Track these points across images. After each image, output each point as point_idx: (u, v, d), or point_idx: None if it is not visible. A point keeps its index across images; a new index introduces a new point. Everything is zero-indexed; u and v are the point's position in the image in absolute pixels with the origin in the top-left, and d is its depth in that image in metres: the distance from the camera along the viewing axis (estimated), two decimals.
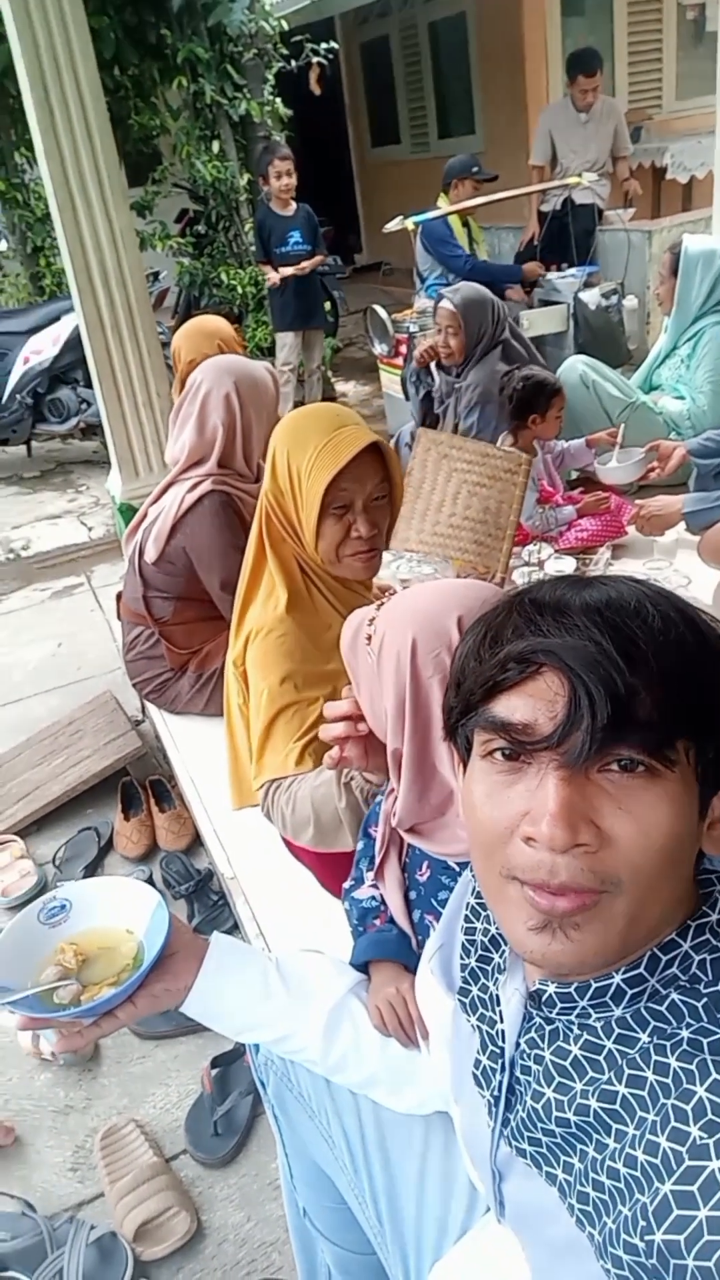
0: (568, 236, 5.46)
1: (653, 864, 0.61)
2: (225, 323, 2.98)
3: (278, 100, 5.60)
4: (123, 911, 1.02)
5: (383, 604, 1.12)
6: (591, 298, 4.92)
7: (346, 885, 1.29)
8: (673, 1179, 0.57)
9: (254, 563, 1.72)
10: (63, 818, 2.48)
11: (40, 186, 5.47)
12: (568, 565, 2.65)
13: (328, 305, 6.25)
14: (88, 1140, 1.67)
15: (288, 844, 1.90)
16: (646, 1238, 0.57)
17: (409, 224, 4.80)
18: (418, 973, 1.05)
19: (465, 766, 0.71)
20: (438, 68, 8.39)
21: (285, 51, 5.58)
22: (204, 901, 2.14)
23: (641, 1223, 0.58)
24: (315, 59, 5.56)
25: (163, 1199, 1.51)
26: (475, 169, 5.00)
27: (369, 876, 1.26)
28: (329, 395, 6.07)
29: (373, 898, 1.22)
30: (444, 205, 4.97)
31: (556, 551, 2.71)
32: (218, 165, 5.34)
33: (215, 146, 5.36)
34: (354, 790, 1.41)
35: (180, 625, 2.43)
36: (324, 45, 5.60)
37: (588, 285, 5.04)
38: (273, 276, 4.85)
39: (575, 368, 3.74)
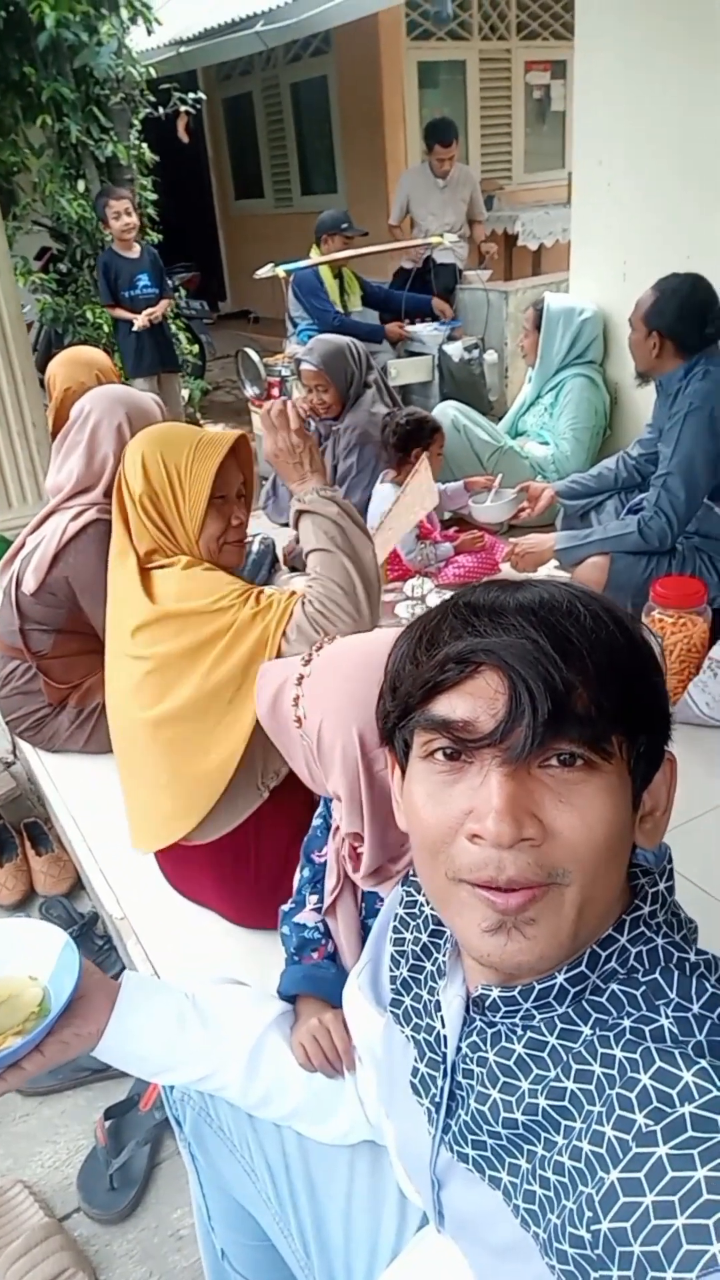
0: (430, 293, 5.71)
1: (597, 854, 0.62)
2: (102, 354, 2.94)
3: (144, 145, 5.61)
4: (24, 955, 0.96)
5: (302, 676, 1.07)
6: (455, 350, 5.14)
7: (285, 908, 1.26)
8: (619, 1168, 0.58)
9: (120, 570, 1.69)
10: None
11: None
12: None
13: (196, 349, 6.27)
14: None
15: (178, 887, 1.84)
16: (593, 1228, 0.58)
17: (280, 271, 4.88)
18: (344, 991, 1.03)
19: (403, 771, 0.71)
20: (300, 127, 8.65)
21: (153, 98, 5.62)
22: (89, 946, 2.04)
23: (588, 1213, 0.58)
24: (183, 108, 5.62)
25: (57, 1261, 1.41)
26: (345, 225, 5.16)
27: (311, 901, 1.23)
28: None
29: (316, 928, 1.20)
30: (315, 256, 5.10)
31: (437, 586, 2.78)
32: (82, 204, 5.28)
33: (80, 185, 5.30)
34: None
35: (60, 659, 2.34)
36: (190, 95, 5.67)
37: (451, 339, 5.26)
38: (140, 319, 4.81)
39: (446, 413, 3.88)
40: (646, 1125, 0.57)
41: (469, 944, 0.66)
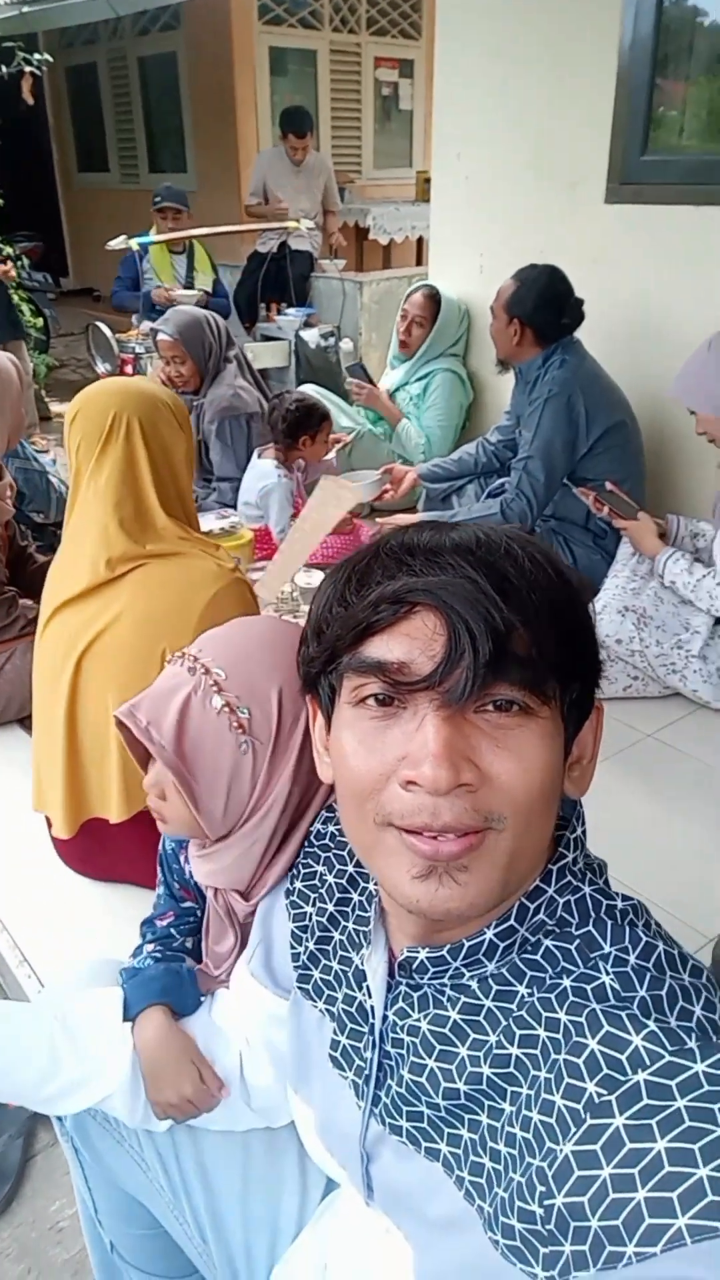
0: (285, 278, 5.69)
1: (532, 800, 0.60)
2: None
3: None
4: None
5: (217, 684, 0.94)
6: (311, 337, 5.15)
7: (123, 970, 1.16)
8: (572, 1139, 0.56)
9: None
10: None
11: None
12: (316, 578, 2.72)
13: (40, 322, 6.00)
14: None
15: (81, 867, 1.77)
16: (546, 1202, 0.56)
17: (133, 244, 4.75)
18: (234, 977, 0.97)
19: (328, 719, 0.68)
20: (148, 102, 8.41)
21: None
22: None
23: (540, 1187, 0.57)
24: (28, 69, 5.35)
25: None
26: (156, 198, 5.07)
27: (149, 950, 1.15)
28: (44, 415, 5.79)
29: (149, 957, 1.12)
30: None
31: (305, 566, 2.77)
32: None
33: None
34: None
35: None
36: (36, 56, 5.41)
37: (307, 325, 5.27)
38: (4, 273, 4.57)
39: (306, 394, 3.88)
40: (600, 1094, 0.56)
41: (397, 891, 0.62)
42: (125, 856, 1.68)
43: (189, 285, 5.05)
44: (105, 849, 1.69)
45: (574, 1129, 0.56)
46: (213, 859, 0.98)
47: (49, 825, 1.72)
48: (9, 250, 5.09)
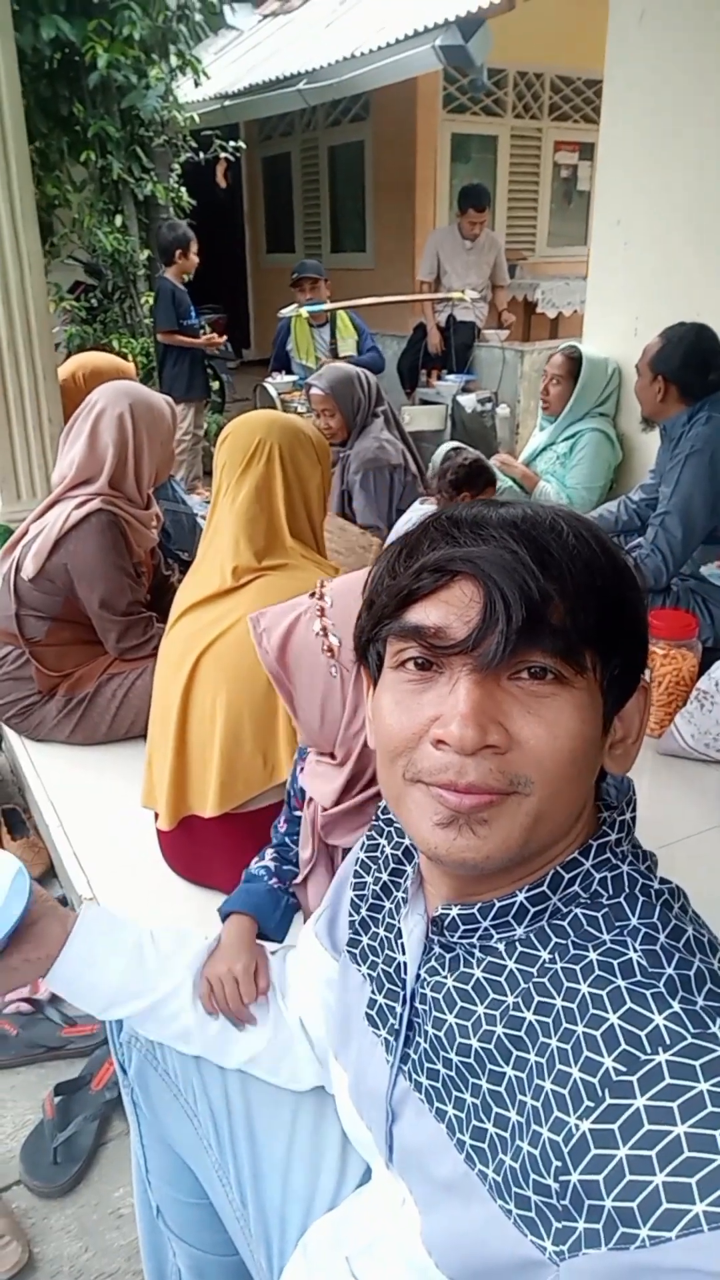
0: (449, 347, 5.86)
1: (560, 765, 0.62)
2: (103, 354, 3.02)
3: (183, 189, 5.82)
4: None
5: (323, 609, 1.05)
6: (468, 401, 5.26)
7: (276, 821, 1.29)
8: (590, 1117, 0.56)
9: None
10: None
11: None
12: None
13: (217, 385, 6.42)
14: None
15: (178, 866, 1.84)
16: (561, 1178, 0.56)
17: (303, 312, 5.03)
18: (300, 937, 1.02)
19: (375, 685, 0.71)
20: (334, 187, 8.94)
21: (194, 144, 5.84)
22: None
23: (555, 1162, 0.57)
24: (223, 154, 5.83)
25: None
26: (294, 274, 5.34)
27: (268, 854, 1.24)
28: (209, 470, 6.15)
29: (265, 868, 1.20)
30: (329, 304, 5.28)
31: None
32: (119, 238, 5.46)
33: (118, 220, 5.48)
34: None
35: (53, 647, 2.36)
36: (231, 143, 5.89)
37: (465, 391, 5.39)
38: (211, 338, 4.99)
39: (447, 449, 3.96)
40: (618, 1071, 0.56)
41: (420, 836, 0.65)
42: (219, 860, 1.73)
43: (333, 353, 5.30)
44: (202, 850, 1.75)
45: (589, 1104, 0.56)
46: (324, 778, 1.07)
47: (155, 819, 1.79)
48: (201, 322, 5.52)
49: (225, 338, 6.72)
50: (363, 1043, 0.78)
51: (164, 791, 1.72)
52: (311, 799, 1.12)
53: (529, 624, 0.60)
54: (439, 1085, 0.67)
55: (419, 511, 3.19)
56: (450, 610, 0.62)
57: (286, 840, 1.24)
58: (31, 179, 2.77)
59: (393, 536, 3.22)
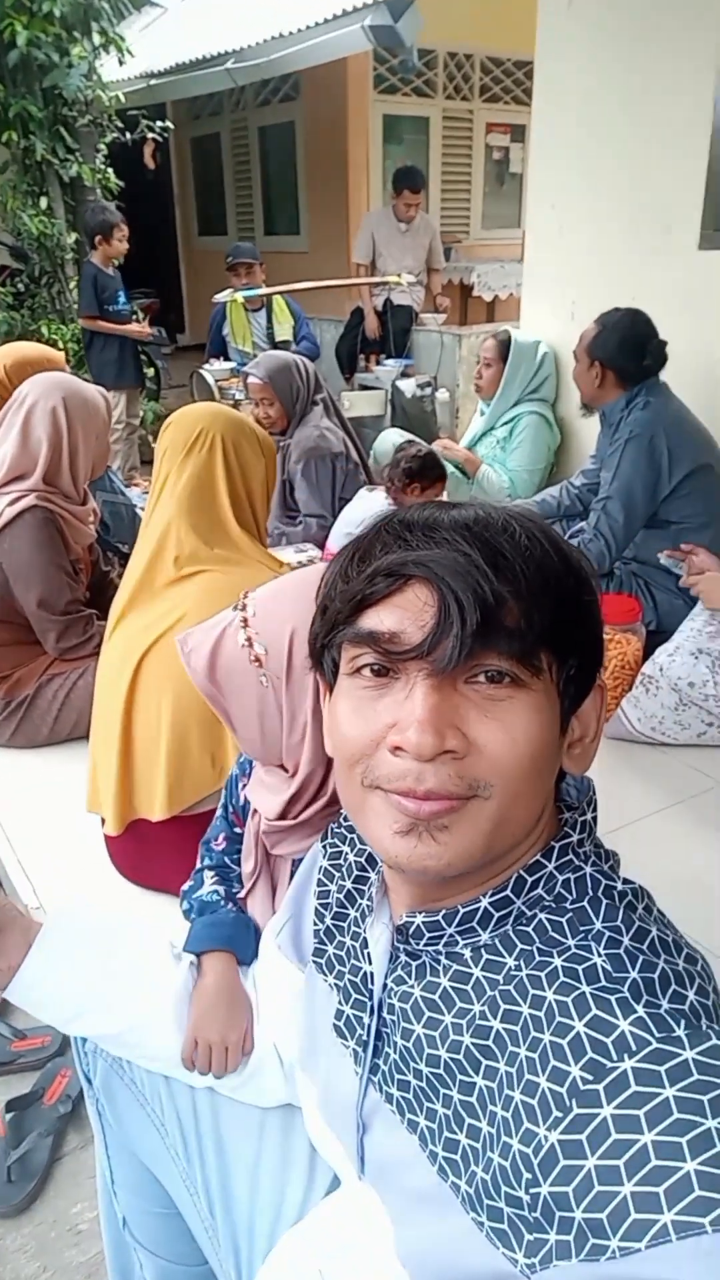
0: (386, 331, 5.83)
1: (520, 769, 0.61)
2: (31, 345, 2.93)
3: (110, 170, 5.68)
4: None
5: (246, 619, 1.02)
6: (408, 386, 5.24)
7: (185, 888, 1.24)
8: (558, 1128, 0.55)
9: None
10: None
11: None
12: None
13: (150, 372, 6.30)
14: None
15: (128, 871, 1.80)
16: (532, 1190, 0.55)
17: (238, 297, 4.96)
18: (261, 949, 1.01)
19: (330, 691, 0.70)
20: (266, 169, 8.82)
21: (120, 124, 5.70)
22: None
23: (526, 1175, 0.56)
24: (150, 135, 5.70)
25: None
26: (228, 258, 5.28)
27: (209, 877, 1.21)
28: (147, 459, 6.05)
29: (215, 892, 1.17)
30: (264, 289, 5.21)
31: None
32: (44, 220, 5.31)
33: (44, 203, 5.33)
34: None
35: None
36: (159, 123, 5.76)
37: (404, 375, 5.37)
38: (135, 327, 4.88)
39: (390, 437, 3.96)
40: (585, 1080, 0.55)
41: (380, 846, 0.64)
42: (169, 862, 1.70)
43: (270, 338, 5.23)
44: (151, 854, 1.72)
45: (557, 1114, 0.55)
46: (270, 790, 1.05)
47: (102, 824, 1.76)
48: (133, 307, 5.40)
49: (156, 327, 6.62)
50: (331, 1054, 0.77)
51: (110, 796, 1.69)
52: (256, 811, 1.09)
53: (484, 627, 0.59)
54: (410, 1096, 0.67)
55: (365, 499, 3.17)
56: (405, 615, 0.62)
57: (225, 860, 1.21)
58: None
59: (340, 523, 3.20)
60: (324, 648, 0.69)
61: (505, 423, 3.72)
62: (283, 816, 1.04)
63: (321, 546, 3.23)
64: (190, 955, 1.04)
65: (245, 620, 1.02)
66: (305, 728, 0.97)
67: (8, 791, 2.19)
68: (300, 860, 0.96)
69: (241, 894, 1.14)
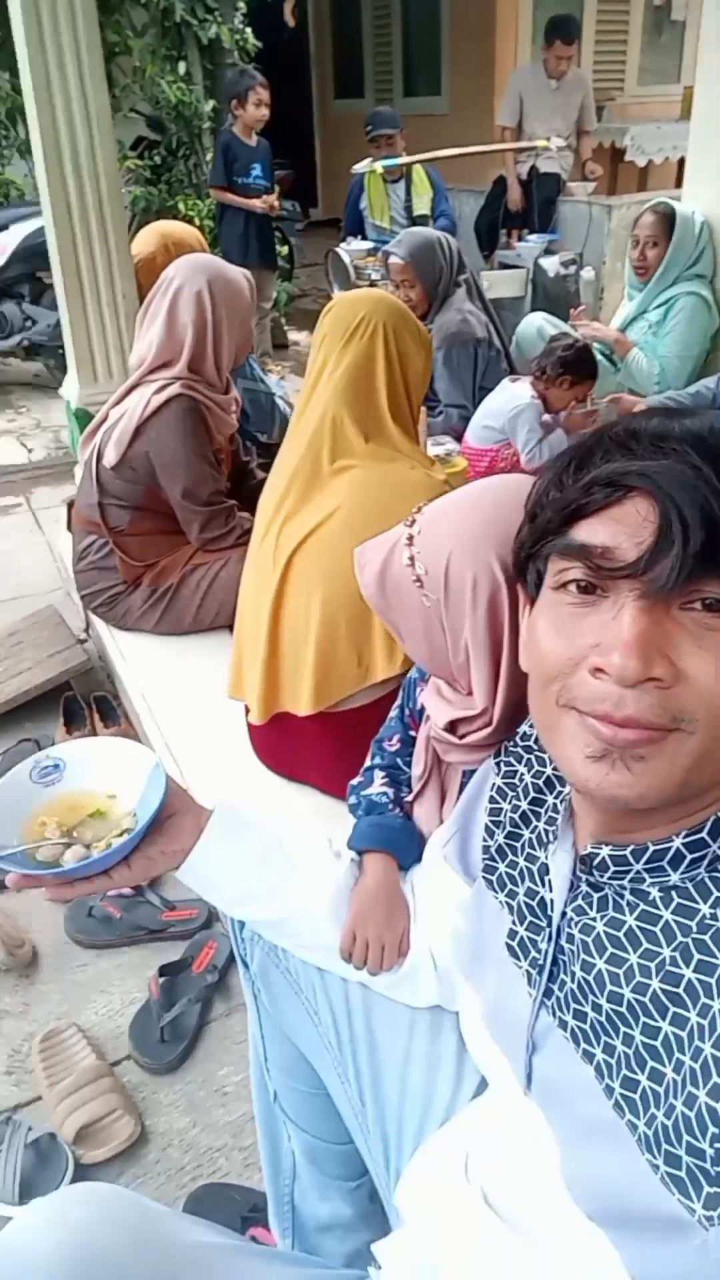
0: (531, 203, 5.47)
1: None
2: (182, 225, 2.87)
3: (248, 30, 5.41)
4: (116, 773, 0.96)
5: (411, 536, 1.01)
6: (551, 265, 4.93)
7: (353, 783, 1.25)
8: None
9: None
10: (1, 728, 2.36)
11: None
12: None
13: (285, 250, 6.13)
14: (24, 1045, 1.59)
15: (271, 761, 1.84)
16: (716, 1144, 0.54)
17: (378, 167, 4.72)
18: (426, 859, 1.00)
19: (533, 606, 0.68)
20: (407, 25, 8.25)
21: None
22: None
23: (713, 1129, 0.55)
24: None
25: (105, 1102, 1.45)
26: (368, 128, 4.95)
27: (379, 777, 1.22)
28: (280, 342, 5.95)
29: (384, 794, 1.18)
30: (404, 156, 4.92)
31: None
32: (182, 87, 5.13)
33: (182, 68, 5.14)
34: None
35: (136, 537, 2.33)
36: None
37: (548, 252, 5.05)
38: (259, 203, 4.71)
39: (534, 321, 3.74)
40: None
41: (570, 769, 0.63)
42: (311, 757, 1.74)
43: (408, 211, 4.96)
44: (294, 746, 1.75)
45: None
46: (444, 700, 1.05)
47: (246, 713, 1.80)
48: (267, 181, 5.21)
49: (290, 201, 6.37)
50: (501, 971, 0.77)
51: (255, 687, 1.72)
52: (428, 716, 1.09)
53: (708, 549, 0.55)
54: (587, 1027, 0.66)
55: (508, 389, 3.04)
56: (621, 529, 0.58)
57: (397, 762, 1.21)
58: (96, 23, 2.55)
59: (480, 415, 3.09)
60: (529, 558, 0.67)
61: (659, 305, 3.45)
62: (450, 730, 1.03)
63: (460, 439, 3.13)
64: (351, 851, 1.05)
65: (410, 538, 1.00)
66: (466, 650, 0.95)
67: (153, 675, 2.26)
68: (472, 772, 0.95)
69: (409, 797, 1.14)
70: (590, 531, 0.60)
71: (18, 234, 4.72)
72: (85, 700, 2.37)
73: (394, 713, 1.26)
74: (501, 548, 0.93)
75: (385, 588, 1.02)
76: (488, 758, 0.91)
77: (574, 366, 2.91)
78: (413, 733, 1.21)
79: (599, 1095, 0.63)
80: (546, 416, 2.99)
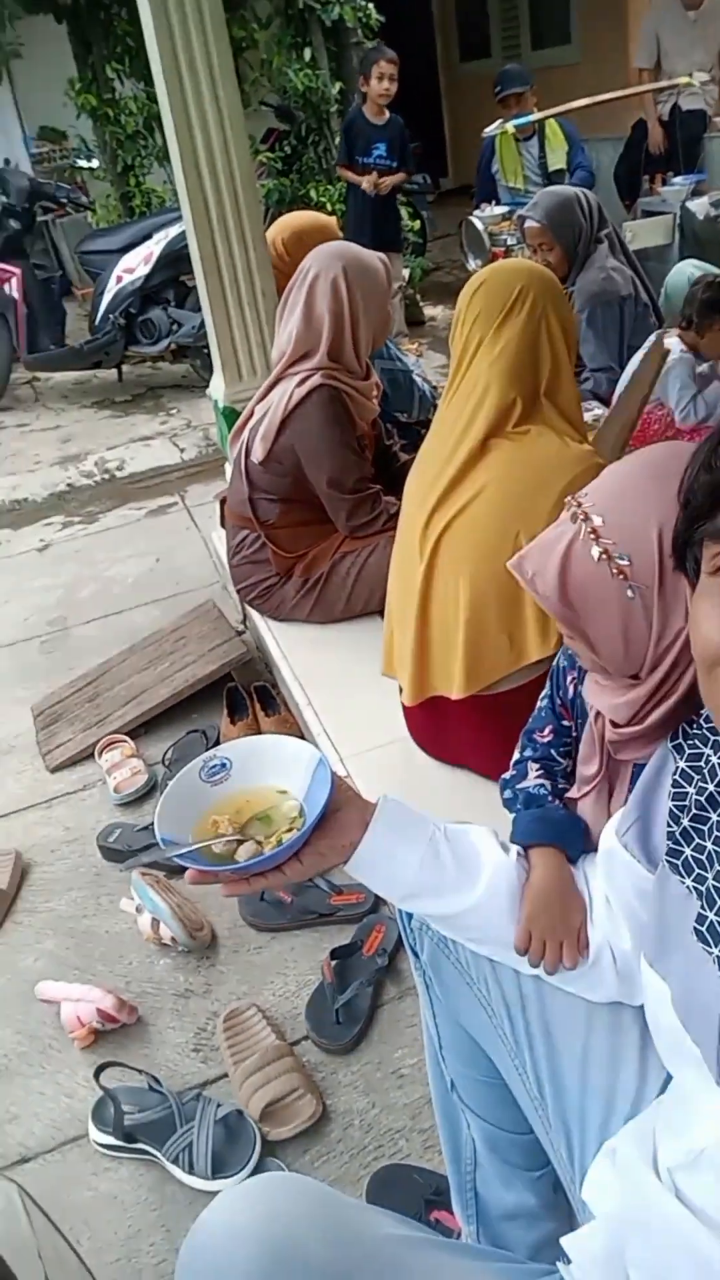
0: (674, 143, 5.18)
1: None
2: (310, 213, 2.87)
3: (370, 5, 5.36)
4: (281, 770, 0.97)
5: (595, 530, 0.92)
6: (700, 207, 4.65)
7: (506, 777, 1.23)
8: None
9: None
10: (170, 721, 2.47)
11: (131, 103, 5.37)
12: None
13: (416, 225, 6.07)
14: (209, 1023, 1.67)
15: (426, 744, 1.85)
16: None
17: (509, 128, 4.59)
18: (603, 847, 0.97)
19: (695, 591, 0.66)
20: None
21: None
22: None
23: None
24: None
25: (288, 1080, 1.50)
26: (497, 88, 4.75)
27: (533, 769, 1.19)
28: (415, 319, 5.91)
29: (541, 786, 1.15)
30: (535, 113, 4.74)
31: None
32: (309, 74, 5.15)
33: (307, 54, 5.16)
34: None
35: (286, 529, 2.38)
36: None
37: (696, 194, 4.77)
38: (366, 181, 4.66)
39: (684, 270, 3.53)
40: None
41: None
42: (467, 740, 1.73)
43: (543, 169, 4.78)
44: (448, 729, 1.75)
45: None
46: (614, 693, 0.99)
47: (400, 693, 1.80)
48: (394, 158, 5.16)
49: (421, 174, 6.25)
50: (690, 956, 0.75)
51: (407, 669, 1.72)
52: (599, 715, 1.04)
53: None
54: None
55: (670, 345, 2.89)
56: None
57: (551, 753, 1.18)
58: (224, 20, 2.58)
59: (627, 375, 2.96)
60: (686, 544, 0.66)
61: None
62: (632, 721, 0.98)
63: (608, 403, 3.02)
64: (517, 846, 1.04)
65: (595, 532, 0.93)
66: (679, 634, 0.89)
67: (309, 664, 2.31)
68: (641, 765, 0.91)
69: (577, 795, 1.11)
70: None
71: (160, 242, 4.88)
72: (246, 690, 2.45)
73: (543, 702, 1.22)
74: None
75: (570, 593, 0.94)
76: (660, 746, 0.88)
77: (714, 307, 2.73)
78: (565, 723, 1.18)
79: None
80: (702, 367, 2.83)
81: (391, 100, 4.68)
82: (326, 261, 2.19)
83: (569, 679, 1.17)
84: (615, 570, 0.91)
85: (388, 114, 4.71)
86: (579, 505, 0.95)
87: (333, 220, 3.00)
